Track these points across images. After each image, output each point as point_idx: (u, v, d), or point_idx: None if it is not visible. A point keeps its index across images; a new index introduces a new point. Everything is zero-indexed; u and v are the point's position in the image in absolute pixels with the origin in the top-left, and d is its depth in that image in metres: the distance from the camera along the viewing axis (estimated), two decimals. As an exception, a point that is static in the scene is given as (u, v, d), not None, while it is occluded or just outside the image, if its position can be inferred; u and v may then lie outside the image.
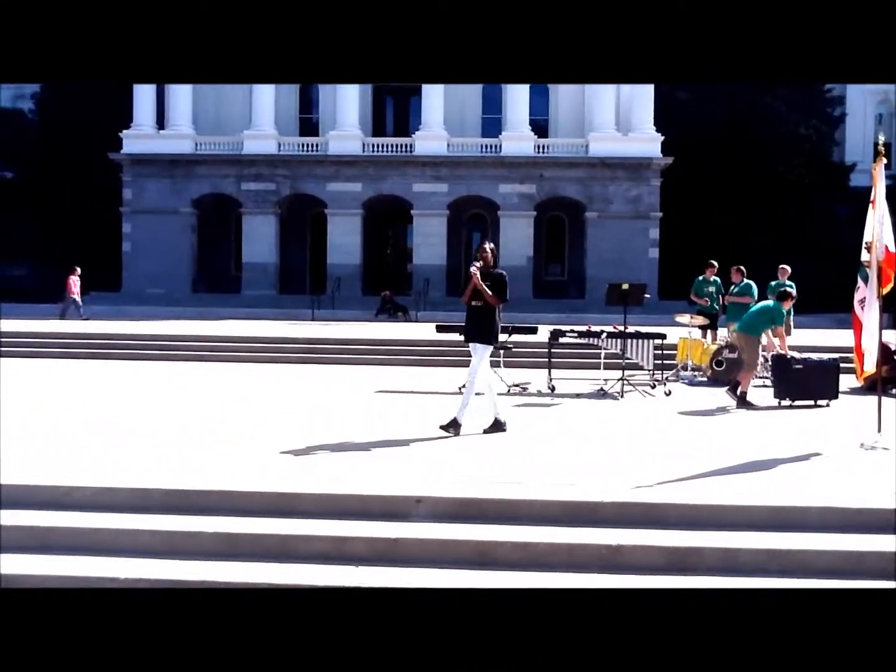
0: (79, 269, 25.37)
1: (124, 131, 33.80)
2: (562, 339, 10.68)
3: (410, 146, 33.97)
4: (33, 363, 13.83)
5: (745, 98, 34.31)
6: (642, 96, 33.61)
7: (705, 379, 12.29)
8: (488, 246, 7.49)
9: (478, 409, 7.40)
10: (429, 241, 34.05)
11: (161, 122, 34.86)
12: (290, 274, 35.59)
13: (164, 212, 33.64)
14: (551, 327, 11.06)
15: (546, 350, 11.01)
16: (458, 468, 5.79)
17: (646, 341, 10.31)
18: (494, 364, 11.15)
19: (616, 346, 10.41)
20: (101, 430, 7.27)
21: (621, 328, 10.81)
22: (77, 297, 24.64)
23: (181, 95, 34.21)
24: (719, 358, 11.70)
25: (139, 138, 33.85)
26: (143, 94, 34.22)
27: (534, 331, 11.37)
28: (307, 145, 34.60)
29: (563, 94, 36.72)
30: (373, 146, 34.30)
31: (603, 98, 33.88)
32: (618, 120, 34.26)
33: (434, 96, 33.78)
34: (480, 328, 7.28)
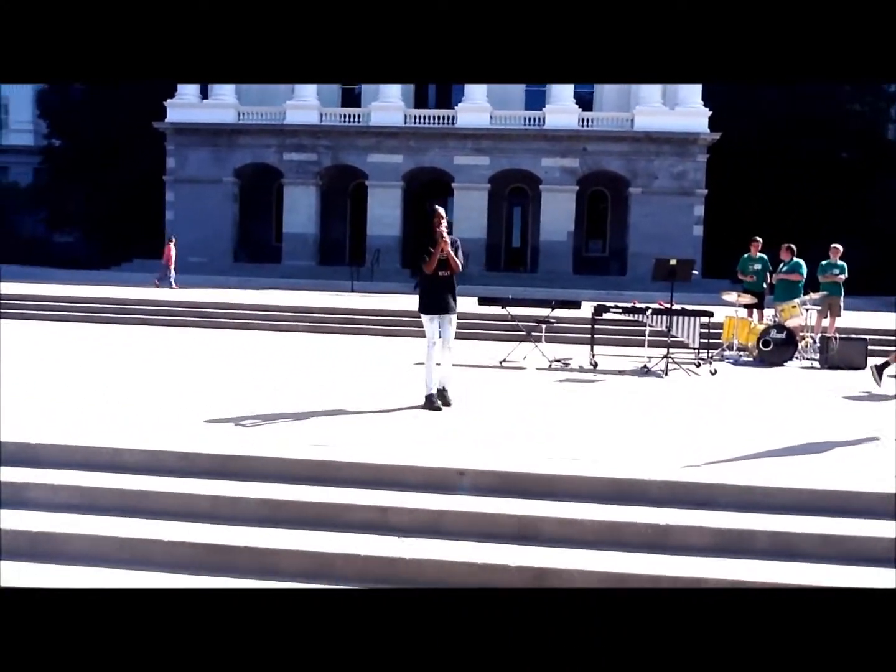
0: (174, 240, 26.34)
1: (168, 100, 33.97)
2: (605, 315, 10.49)
3: (453, 118, 33.64)
4: (75, 327, 14.05)
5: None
6: (691, 69, 32.76)
7: (751, 359, 12.04)
8: (442, 212, 6.93)
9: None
10: (469, 215, 33.76)
11: (205, 91, 34.98)
12: (329, 245, 35.66)
13: (206, 181, 33.84)
14: (594, 303, 10.87)
15: (589, 326, 10.83)
16: (502, 442, 5.71)
17: (692, 319, 10.09)
18: (536, 339, 11.06)
19: (661, 323, 10.21)
20: (149, 393, 7.32)
21: (667, 305, 10.60)
22: (172, 267, 25.06)
23: (225, 65, 34.20)
24: (766, 338, 11.43)
25: (183, 107, 34.01)
26: (188, 63, 34.30)
27: (577, 305, 11.21)
28: (349, 116, 34.45)
29: (608, 67, 35.98)
30: (415, 118, 34.04)
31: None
32: (665, 94, 33.54)
33: (477, 67, 33.32)
34: (454, 298, 6.95)
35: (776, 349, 11.36)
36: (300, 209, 34.35)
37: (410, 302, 20.21)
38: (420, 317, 7.11)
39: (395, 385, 8.37)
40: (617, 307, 10.33)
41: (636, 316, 10.30)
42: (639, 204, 33.26)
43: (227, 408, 6.72)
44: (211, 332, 14.03)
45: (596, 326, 10.70)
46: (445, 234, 6.74)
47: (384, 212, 33.96)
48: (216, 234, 33.90)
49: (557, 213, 33.30)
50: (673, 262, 9.89)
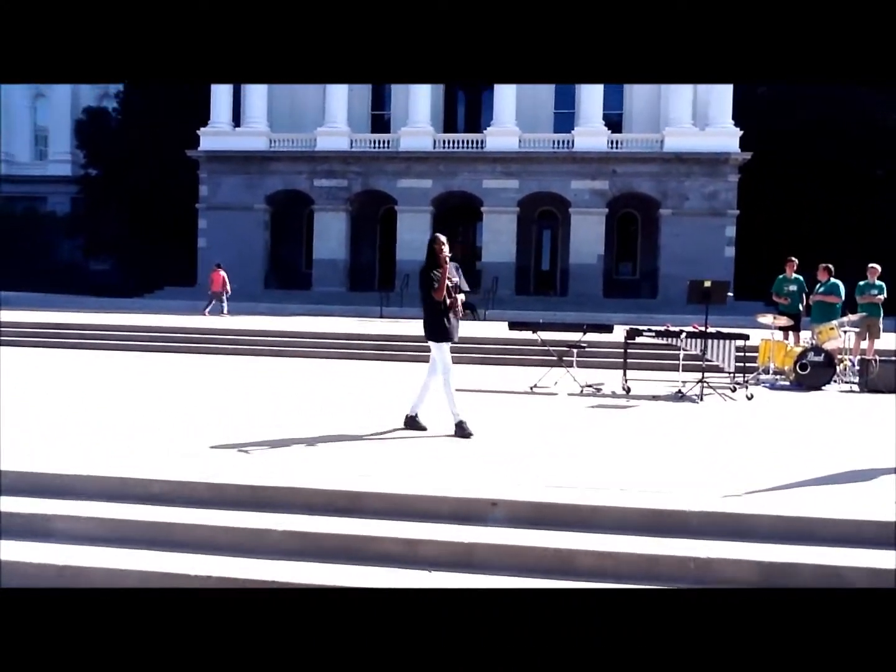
0: (221, 266, 25.84)
1: (201, 129, 34.53)
2: (638, 339, 10.33)
3: (482, 142, 33.76)
4: (110, 355, 14.18)
5: (829, 92, 33.02)
6: (720, 90, 32.65)
7: (788, 383, 11.77)
8: (443, 239, 6.90)
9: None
10: (498, 239, 33.79)
11: (237, 119, 35.50)
12: (359, 270, 35.84)
13: (238, 208, 34.24)
14: (626, 327, 10.71)
15: (621, 350, 10.66)
16: (534, 470, 5.58)
17: (728, 342, 9.88)
18: (567, 364, 10.91)
19: (696, 346, 10.01)
20: (180, 420, 7.30)
21: (701, 328, 10.41)
22: (224, 294, 24.78)
23: (256, 93, 34.75)
24: (804, 361, 11.16)
25: (216, 135, 34.56)
26: (220, 92, 34.94)
27: (609, 329, 11.04)
28: (379, 142, 34.73)
29: (637, 89, 36.00)
30: (443, 142, 34.21)
31: (680, 92, 33.05)
32: (694, 114, 33.37)
33: (506, 91, 33.50)
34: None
35: (814, 372, 11.09)
36: (330, 235, 34.60)
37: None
38: (428, 343, 7.01)
39: (426, 413, 8.28)
40: (650, 331, 10.16)
41: (670, 340, 10.12)
42: (669, 225, 33.02)
43: (256, 434, 6.67)
44: (244, 360, 14.08)
45: (629, 350, 10.53)
46: (448, 261, 6.71)
47: (413, 237, 34.01)
48: (247, 260, 34.19)
49: (587, 236, 33.16)
50: (707, 283, 9.71)
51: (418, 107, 33.99)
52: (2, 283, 32.55)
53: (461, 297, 6.88)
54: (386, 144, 34.54)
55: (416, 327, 19.28)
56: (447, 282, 6.71)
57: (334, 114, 34.39)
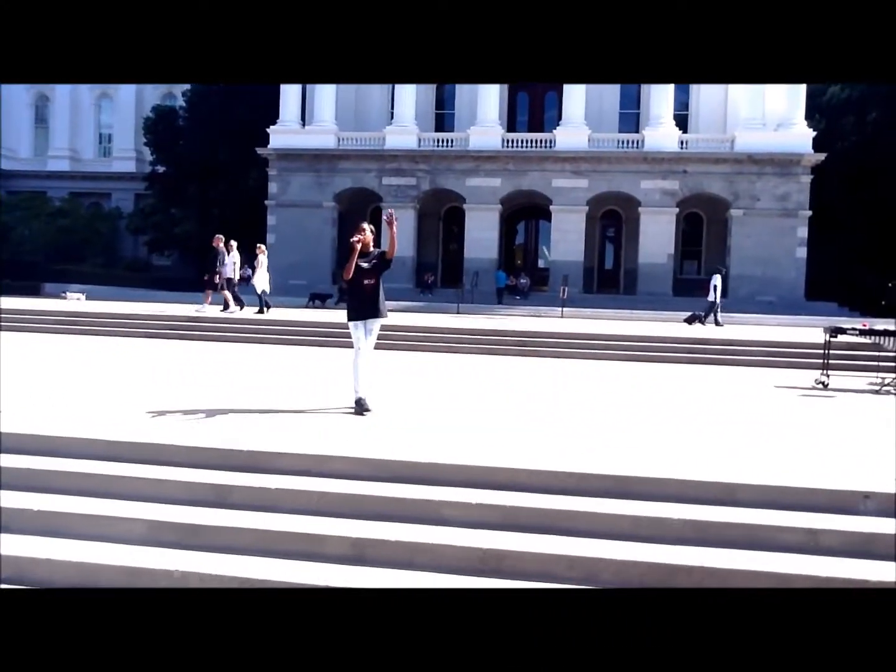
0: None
1: (271, 127, 34.79)
2: (841, 337, 10.36)
3: (551, 141, 33.77)
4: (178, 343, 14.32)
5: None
6: (793, 89, 32.48)
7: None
8: (368, 227, 7.21)
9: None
10: (567, 237, 33.80)
11: (304, 118, 35.76)
12: (422, 268, 35.93)
13: (307, 205, 34.49)
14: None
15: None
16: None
17: (926, 340, 9.91)
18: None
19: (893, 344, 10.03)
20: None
21: (870, 327, 10.44)
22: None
23: (325, 92, 34.95)
24: None
25: (285, 133, 34.79)
26: (289, 91, 35.19)
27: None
28: (446, 141, 34.83)
29: (704, 87, 35.91)
30: (512, 141, 34.25)
31: (751, 91, 32.90)
32: (765, 113, 33.19)
33: (575, 90, 33.51)
34: (382, 302, 7.11)
35: None
36: (398, 233, 34.64)
37: (558, 323, 20.03)
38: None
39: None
40: (854, 329, 10.20)
41: (877, 339, 10.14)
42: (740, 225, 32.90)
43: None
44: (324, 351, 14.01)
45: (829, 350, 10.46)
46: (363, 246, 6.97)
47: (482, 235, 34.14)
48: (316, 257, 34.47)
49: (657, 236, 33.11)
50: (909, 286, 9.73)
51: (487, 105, 34.06)
52: (70, 277, 33.04)
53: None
54: (451, 143, 34.63)
55: (510, 323, 19.28)
56: (363, 265, 6.95)
57: (403, 112, 34.53)
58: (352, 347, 7.31)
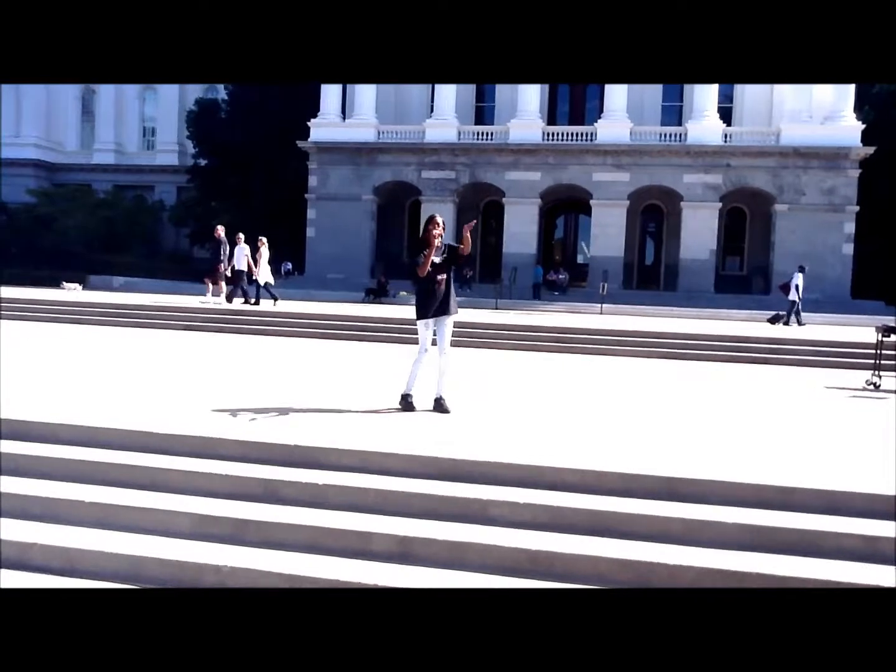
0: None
1: (312, 120, 34.97)
2: (893, 337, 10.11)
3: (592, 134, 33.49)
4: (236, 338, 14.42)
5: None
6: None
7: None
8: (440, 220, 6.75)
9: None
10: (607, 232, 33.52)
11: (345, 111, 35.88)
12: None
13: (346, 198, 34.64)
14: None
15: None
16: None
17: None
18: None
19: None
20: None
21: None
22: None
23: (364, 86, 35.01)
24: None
25: (326, 126, 34.96)
26: (330, 85, 35.30)
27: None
28: (485, 134, 34.70)
29: (749, 81, 35.31)
30: (552, 135, 34.01)
31: (797, 83, 32.23)
32: (811, 106, 32.52)
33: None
34: (454, 298, 6.80)
35: None
36: (437, 226, 34.65)
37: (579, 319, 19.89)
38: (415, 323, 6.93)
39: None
40: None
41: None
42: (785, 220, 32.33)
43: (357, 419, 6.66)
44: (367, 345, 14.01)
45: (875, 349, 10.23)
46: (436, 240, 6.56)
47: (521, 229, 34.00)
48: (354, 250, 34.65)
49: (699, 231, 32.67)
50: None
51: (527, 98, 33.88)
52: (109, 269, 33.54)
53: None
54: (490, 136, 34.48)
55: (553, 318, 19.08)
56: (435, 260, 6.58)
57: (443, 105, 34.49)
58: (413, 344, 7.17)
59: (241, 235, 19.21)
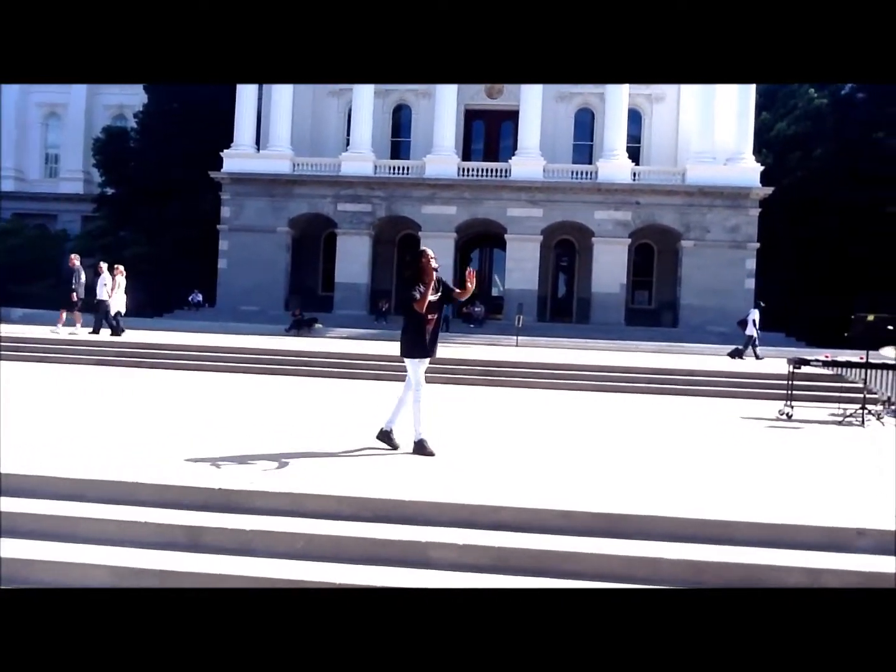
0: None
1: (225, 151, 34.38)
2: (805, 368, 10.46)
3: (506, 171, 34.03)
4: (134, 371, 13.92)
5: (847, 133, 34.01)
6: (742, 125, 33.40)
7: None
8: (432, 253, 6.66)
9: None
10: (522, 266, 34.00)
11: (259, 142, 35.44)
12: (376, 294, 35.70)
13: (261, 230, 34.08)
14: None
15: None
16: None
17: (891, 372, 10.05)
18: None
19: (859, 375, 10.16)
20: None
21: (833, 359, 10.60)
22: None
23: (280, 117, 34.74)
24: (934, 392, 11.33)
25: (239, 157, 34.41)
26: (244, 115, 34.88)
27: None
28: (402, 168, 34.85)
29: (655, 121, 36.71)
30: (467, 170, 34.40)
31: (701, 125, 33.67)
32: (714, 148, 33.95)
33: (531, 120, 33.90)
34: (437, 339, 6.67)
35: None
36: (353, 259, 34.52)
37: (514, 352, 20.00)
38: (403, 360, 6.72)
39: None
40: (817, 360, 10.31)
41: (838, 369, 10.26)
42: (691, 256, 33.49)
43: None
44: (285, 380, 13.79)
45: (786, 380, 10.59)
46: (435, 274, 6.43)
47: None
48: (269, 282, 34.06)
49: (610, 266, 33.49)
50: (870, 317, 9.88)
51: (443, 134, 34.21)
52: (11, 300, 31.95)
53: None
54: (406, 171, 34.65)
55: (484, 352, 19.04)
56: (431, 298, 6.45)
57: (359, 139, 34.46)
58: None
59: (103, 265, 18.93)
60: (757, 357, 21.95)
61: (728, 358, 21.55)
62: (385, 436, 6.79)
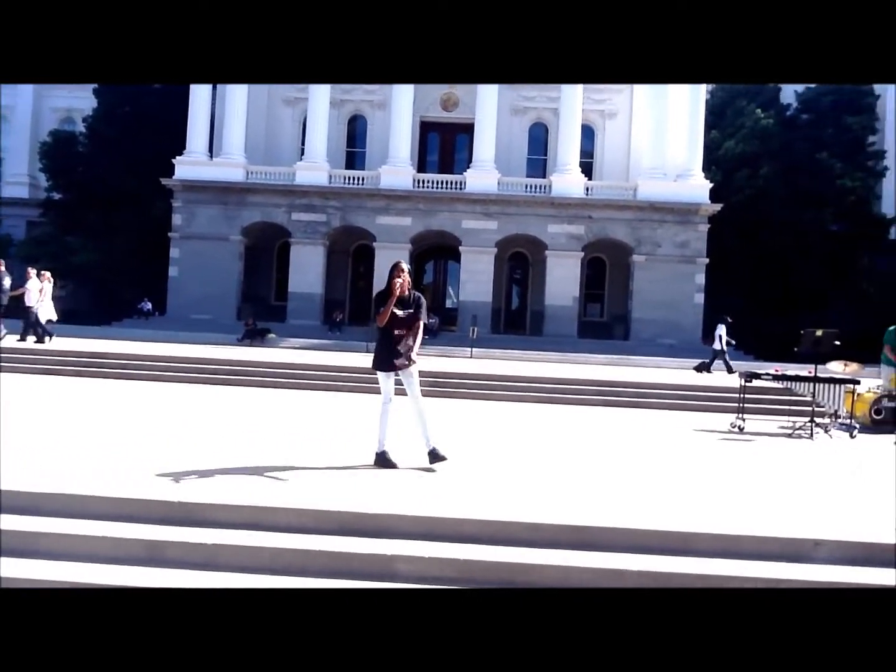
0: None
1: (177, 158, 33.86)
2: (755, 382, 10.68)
3: (461, 183, 34.18)
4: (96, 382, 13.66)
5: (793, 153, 35.00)
6: (691, 141, 34.11)
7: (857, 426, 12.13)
8: (407, 267, 6.73)
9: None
10: (476, 278, 34.12)
11: (212, 149, 35.01)
12: (331, 304, 35.48)
13: (213, 238, 33.61)
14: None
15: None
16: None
17: (838, 386, 10.33)
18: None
19: (807, 389, 10.41)
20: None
21: (783, 372, 10.87)
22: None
23: (234, 124, 34.37)
24: (878, 406, 11.67)
25: (191, 164, 33.90)
26: (197, 122, 34.43)
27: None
28: (356, 179, 34.75)
29: (608, 136, 37.31)
30: (422, 182, 34.47)
31: (653, 141, 34.29)
32: (665, 165, 34.61)
33: (486, 133, 34.12)
34: (415, 350, 6.66)
35: (889, 417, 11.58)
36: (307, 269, 34.25)
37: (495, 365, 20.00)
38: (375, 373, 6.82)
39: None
40: (768, 374, 10.54)
41: (788, 384, 10.50)
42: (642, 271, 34.01)
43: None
44: (216, 389, 13.68)
45: (738, 393, 10.82)
46: (401, 289, 6.49)
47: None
48: (221, 291, 33.57)
49: (563, 279, 33.82)
50: (819, 333, 10.16)
51: (398, 145, 34.22)
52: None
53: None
54: (361, 181, 34.57)
55: (447, 364, 18.99)
56: (398, 313, 6.51)
57: (313, 149, 34.26)
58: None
59: (32, 270, 18.66)
60: (730, 370, 22.26)
61: (694, 371, 21.85)
62: (381, 459, 6.71)
